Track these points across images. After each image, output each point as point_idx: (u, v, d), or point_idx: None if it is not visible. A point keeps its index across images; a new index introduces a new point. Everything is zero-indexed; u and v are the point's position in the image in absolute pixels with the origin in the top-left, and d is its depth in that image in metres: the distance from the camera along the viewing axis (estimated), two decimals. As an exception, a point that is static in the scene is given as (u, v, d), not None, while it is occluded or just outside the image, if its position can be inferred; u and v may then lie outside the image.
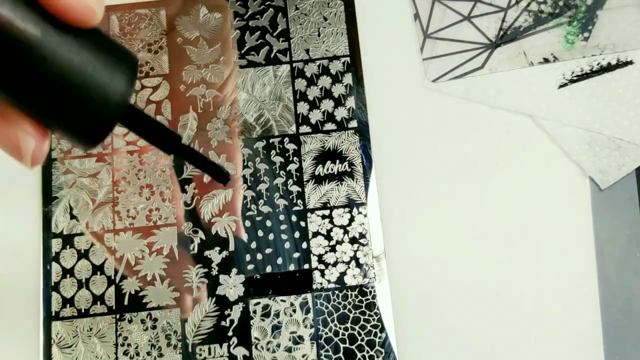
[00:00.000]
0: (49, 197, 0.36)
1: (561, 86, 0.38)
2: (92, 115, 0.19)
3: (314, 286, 0.35)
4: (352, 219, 0.36)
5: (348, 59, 0.38)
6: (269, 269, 0.36)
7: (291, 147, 0.37)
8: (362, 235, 0.36)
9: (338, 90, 0.38)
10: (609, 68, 0.38)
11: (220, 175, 0.23)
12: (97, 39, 0.19)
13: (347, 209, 0.36)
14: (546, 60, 0.37)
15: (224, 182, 0.24)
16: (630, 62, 0.38)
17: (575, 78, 0.38)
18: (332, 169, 0.37)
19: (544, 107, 0.38)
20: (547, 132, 0.37)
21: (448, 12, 0.39)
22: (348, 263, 0.36)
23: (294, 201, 0.36)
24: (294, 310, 0.35)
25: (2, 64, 0.17)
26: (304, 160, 0.37)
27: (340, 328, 0.35)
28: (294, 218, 0.36)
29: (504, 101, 0.38)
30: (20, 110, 0.19)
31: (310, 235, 0.36)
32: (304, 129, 0.37)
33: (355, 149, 0.37)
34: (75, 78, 0.18)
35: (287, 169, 0.37)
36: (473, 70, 0.38)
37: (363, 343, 0.35)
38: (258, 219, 0.36)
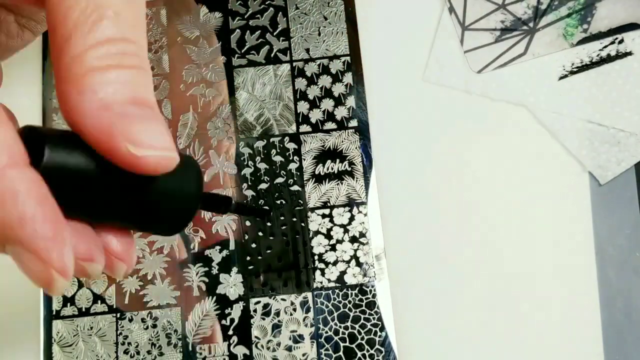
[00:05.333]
0: (49, 197, 0.36)
1: (561, 78, 0.38)
2: (174, 220, 0.22)
3: (314, 285, 0.35)
4: (352, 218, 0.36)
5: (348, 58, 0.38)
6: (269, 269, 0.36)
7: (291, 146, 0.37)
8: (362, 234, 0.36)
9: (338, 89, 0.38)
10: (608, 59, 0.38)
11: (262, 213, 0.34)
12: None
13: (347, 208, 0.36)
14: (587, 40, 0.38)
15: (263, 218, 0.34)
16: (630, 53, 0.38)
17: (575, 69, 0.38)
18: (332, 168, 0.37)
19: (545, 99, 0.38)
20: (546, 127, 0.37)
21: (482, 2, 0.39)
22: (348, 262, 0.36)
23: (294, 200, 0.36)
24: (294, 309, 0.35)
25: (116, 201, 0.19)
26: (304, 160, 0.37)
27: (340, 327, 0.35)
28: (294, 217, 0.36)
29: (505, 94, 0.38)
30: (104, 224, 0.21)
31: (310, 234, 0.36)
32: (304, 128, 0.37)
33: (356, 148, 0.37)
34: (158, 200, 0.21)
35: (288, 168, 0.37)
36: (516, 57, 0.38)
37: (363, 342, 0.35)
38: (258, 218, 0.36)
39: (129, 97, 0.18)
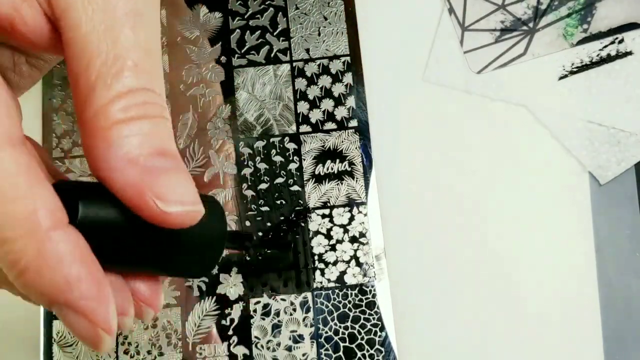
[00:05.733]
0: (49, 197, 0.36)
1: (561, 78, 0.38)
2: (203, 263, 0.23)
3: (314, 285, 0.35)
4: (352, 218, 0.36)
5: (348, 58, 0.38)
6: (269, 268, 0.36)
7: (291, 146, 0.37)
8: (362, 235, 0.36)
9: (338, 89, 0.38)
10: (608, 59, 0.38)
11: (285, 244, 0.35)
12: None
13: (347, 208, 0.36)
14: (587, 40, 0.38)
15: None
16: (630, 53, 0.38)
17: (575, 69, 0.38)
18: (332, 168, 0.37)
19: (545, 99, 0.38)
20: (547, 127, 0.37)
21: (482, 2, 0.39)
22: (348, 262, 0.36)
23: (294, 200, 0.36)
24: (294, 309, 0.35)
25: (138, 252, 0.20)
26: (304, 160, 0.37)
27: (340, 327, 0.35)
28: (294, 217, 0.36)
29: (505, 94, 0.38)
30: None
31: (310, 235, 0.36)
32: (304, 128, 0.37)
33: (355, 148, 0.37)
34: (186, 247, 0.21)
35: (288, 168, 0.37)
36: (516, 57, 0.38)
37: (363, 342, 0.35)
38: (258, 219, 0.36)
39: (154, 149, 0.18)
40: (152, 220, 0.18)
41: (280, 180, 0.37)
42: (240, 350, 0.35)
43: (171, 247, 0.20)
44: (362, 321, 0.35)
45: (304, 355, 0.34)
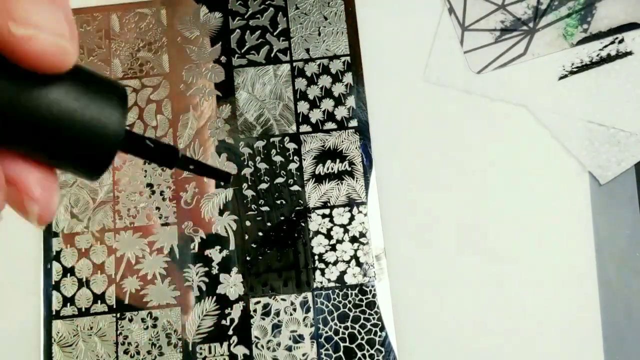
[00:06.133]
0: (49, 196, 0.36)
1: (561, 78, 0.38)
2: (91, 151, 0.18)
3: (314, 285, 0.35)
4: (352, 218, 0.36)
5: (348, 58, 0.38)
6: (269, 269, 0.36)
7: (291, 146, 0.37)
8: (362, 234, 0.36)
9: (338, 89, 0.38)
10: (608, 59, 0.38)
11: (222, 176, 0.23)
12: (79, 76, 0.17)
13: (347, 208, 0.36)
14: (587, 40, 0.38)
15: (227, 182, 0.23)
16: (630, 53, 0.38)
17: (575, 69, 0.38)
18: (332, 168, 0.37)
19: (545, 99, 0.38)
20: (547, 127, 0.37)
21: (482, 2, 0.39)
22: (348, 262, 0.36)
23: (294, 200, 0.36)
24: (294, 309, 0.35)
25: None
26: (304, 160, 0.37)
27: (340, 327, 0.35)
28: (294, 217, 0.36)
29: (505, 94, 0.38)
30: (23, 155, 0.17)
31: (310, 234, 0.36)
32: (304, 128, 0.37)
33: (356, 148, 0.37)
34: (66, 121, 0.17)
35: (288, 168, 0.37)
36: (516, 57, 0.38)
37: (363, 342, 0.35)
38: (258, 218, 0.36)
39: None
40: (4, 51, 0.14)
41: (280, 180, 0.37)
42: (240, 350, 0.35)
43: (47, 115, 0.16)
44: (362, 321, 0.35)
45: (304, 355, 0.34)
